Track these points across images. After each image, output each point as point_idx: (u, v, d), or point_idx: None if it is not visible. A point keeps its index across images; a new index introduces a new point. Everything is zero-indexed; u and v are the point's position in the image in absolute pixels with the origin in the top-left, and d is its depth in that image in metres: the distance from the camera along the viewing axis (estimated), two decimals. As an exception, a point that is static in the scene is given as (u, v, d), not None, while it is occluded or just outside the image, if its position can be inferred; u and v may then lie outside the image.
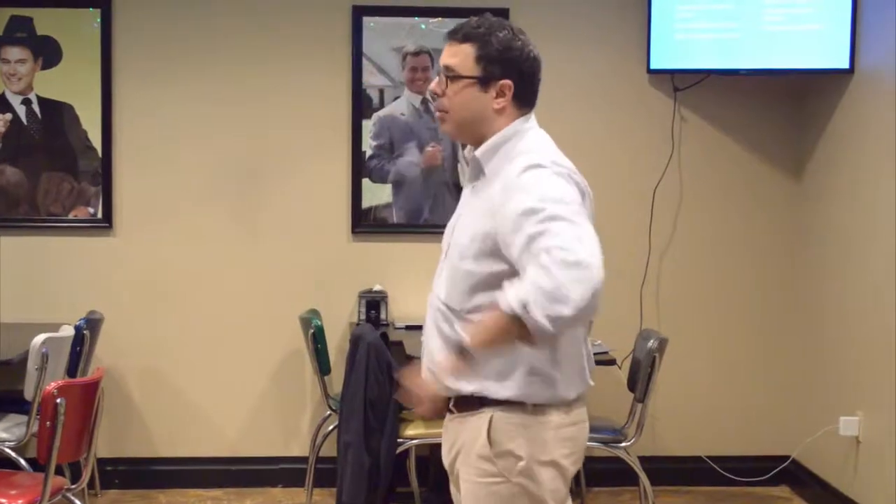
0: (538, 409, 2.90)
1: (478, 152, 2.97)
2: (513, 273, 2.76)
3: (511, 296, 2.62)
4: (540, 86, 3.03)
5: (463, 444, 2.97)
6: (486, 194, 2.91)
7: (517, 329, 2.62)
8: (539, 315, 2.57)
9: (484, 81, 2.92)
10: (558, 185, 2.81)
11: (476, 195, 2.99)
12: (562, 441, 2.92)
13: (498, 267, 2.84)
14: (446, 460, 3.10)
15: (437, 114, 3.02)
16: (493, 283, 2.80)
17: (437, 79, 3.00)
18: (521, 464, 2.88)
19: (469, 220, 2.96)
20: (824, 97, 6.16)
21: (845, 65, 5.88)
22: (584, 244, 2.65)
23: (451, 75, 2.94)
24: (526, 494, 2.89)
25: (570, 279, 2.57)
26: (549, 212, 2.70)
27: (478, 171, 2.99)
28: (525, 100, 2.98)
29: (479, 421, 2.92)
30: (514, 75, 2.93)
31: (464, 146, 3.12)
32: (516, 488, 2.89)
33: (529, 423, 2.89)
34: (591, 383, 3.03)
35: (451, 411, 3.03)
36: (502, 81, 2.92)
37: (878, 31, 5.65)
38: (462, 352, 2.73)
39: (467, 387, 2.90)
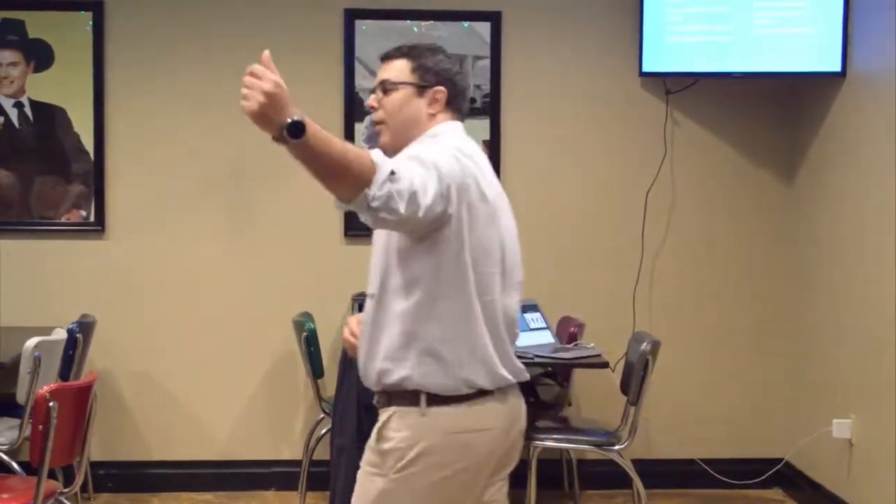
0: (434, 406, 2.95)
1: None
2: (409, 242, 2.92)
3: (388, 161, 2.72)
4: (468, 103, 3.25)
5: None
6: None
7: (355, 172, 2.66)
8: (388, 189, 2.67)
9: (419, 87, 3.10)
10: (435, 151, 2.90)
11: None
12: (454, 448, 2.97)
13: (400, 240, 2.95)
14: None
15: (375, 128, 3.20)
16: (396, 256, 2.97)
17: (372, 96, 3.19)
18: (401, 463, 2.95)
19: None
20: (816, 100, 6.17)
21: (837, 68, 5.89)
22: (416, 180, 2.75)
23: (388, 86, 3.14)
24: (401, 492, 2.96)
25: (404, 198, 2.70)
26: (414, 155, 2.85)
27: None
28: (458, 109, 3.17)
29: (383, 415, 3.04)
30: (447, 84, 3.12)
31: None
32: (392, 485, 2.97)
33: (421, 423, 2.96)
34: (510, 378, 3.04)
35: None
36: (436, 88, 3.11)
37: (870, 35, 5.66)
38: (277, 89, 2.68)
39: (371, 364, 3.00)
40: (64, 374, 5.50)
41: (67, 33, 6.28)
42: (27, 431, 4.87)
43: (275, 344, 6.35)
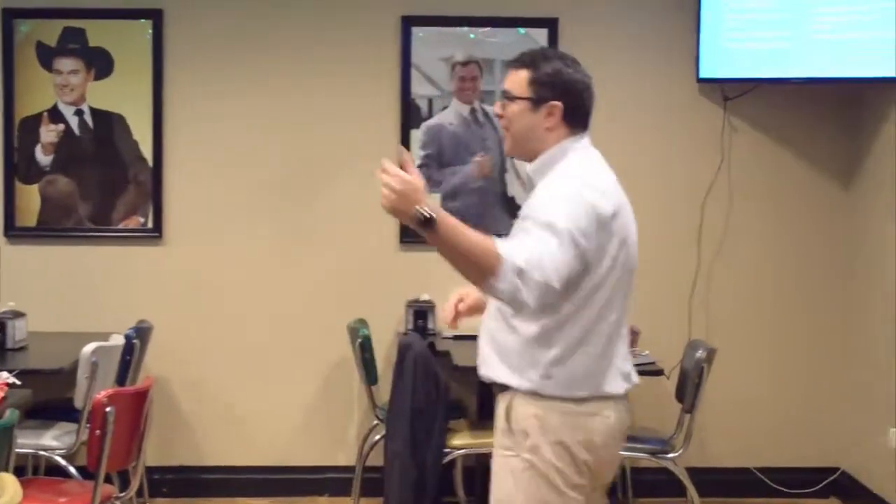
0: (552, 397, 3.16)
1: (530, 168, 3.29)
2: None
3: (515, 253, 2.88)
4: (592, 109, 3.30)
5: (497, 418, 3.28)
6: None
7: (480, 264, 2.87)
8: (514, 284, 2.87)
9: (535, 102, 3.21)
10: (565, 206, 3.04)
11: None
12: (572, 427, 3.15)
13: None
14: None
15: (504, 132, 3.35)
16: None
17: (498, 102, 3.34)
18: (529, 441, 3.15)
19: None
20: (875, 106, 6.12)
21: (896, 73, 5.84)
22: (548, 266, 2.92)
23: (508, 97, 3.27)
24: (533, 469, 3.15)
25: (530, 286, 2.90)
26: (547, 220, 2.99)
27: (531, 187, 3.30)
28: (576, 121, 3.25)
29: (503, 401, 3.24)
30: (564, 98, 3.21)
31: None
32: (525, 463, 3.16)
33: (547, 405, 3.15)
34: (614, 392, 3.21)
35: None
36: (552, 102, 3.21)
37: (930, 40, 5.61)
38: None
39: (490, 373, 3.26)
40: (121, 379, 5.54)
41: (127, 41, 6.34)
42: (84, 436, 4.91)
43: (329, 350, 6.37)
